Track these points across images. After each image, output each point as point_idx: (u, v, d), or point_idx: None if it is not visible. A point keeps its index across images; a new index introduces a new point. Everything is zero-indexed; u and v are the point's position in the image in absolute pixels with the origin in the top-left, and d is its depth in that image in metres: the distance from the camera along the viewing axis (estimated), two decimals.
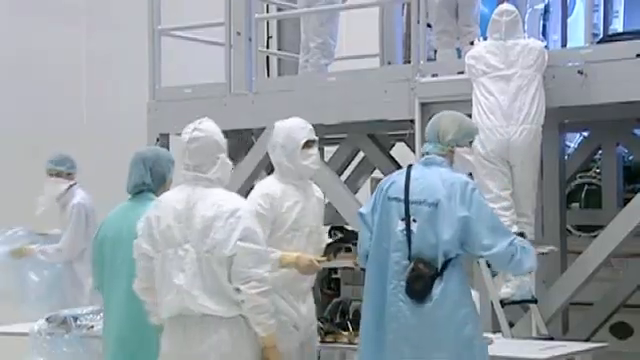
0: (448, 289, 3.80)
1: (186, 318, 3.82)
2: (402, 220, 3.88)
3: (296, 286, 4.44)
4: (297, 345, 4.43)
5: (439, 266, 3.79)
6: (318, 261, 4.37)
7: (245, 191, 8.01)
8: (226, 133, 7.76)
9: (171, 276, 3.82)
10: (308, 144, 4.49)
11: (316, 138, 4.59)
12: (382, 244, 3.96)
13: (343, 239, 4.75)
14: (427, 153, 4.02)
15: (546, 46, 6.80)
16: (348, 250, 4.54)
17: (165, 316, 3.90)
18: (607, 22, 7.56)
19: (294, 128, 4.51)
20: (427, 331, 3.82)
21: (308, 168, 4.49)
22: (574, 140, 7.92)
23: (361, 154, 8.56)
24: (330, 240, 5.77)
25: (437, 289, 3.79)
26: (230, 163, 4.00)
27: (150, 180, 4.36)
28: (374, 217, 4.02)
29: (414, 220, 3.85)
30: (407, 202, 3.87)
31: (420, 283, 3.79)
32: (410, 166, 4.04)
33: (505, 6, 6.19)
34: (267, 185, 4.49)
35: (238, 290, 3.77)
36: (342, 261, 4.63)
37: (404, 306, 3.86)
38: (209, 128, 4.01)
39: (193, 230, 3.82)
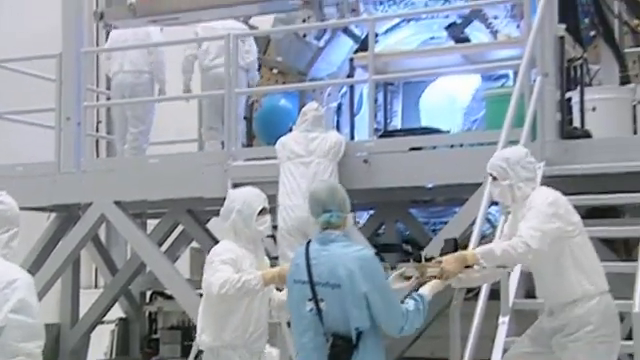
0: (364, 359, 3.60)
1: None
2: (310, 300, 3.65)
3: (254, 346, 4.23)
4: None
5: (354, 339, 3.58)
6: None
7: (73, 259, 7.85)
8: (55, 207, 7.73)
9: None
10: (262, 211, 4.34)
11: (268, 206, 4.44)
12: (299, 328, 3.73)
13: None
14: (329, 223, 3.72)
15: (352, 136, 7.19)
16: None
17: None
18: (388, 119, 8.04)
19: (251, 196, 4.34)
20: None
21: (262, 233, 4.35)
22: (362, 217, 8.26)
23: (180, 227, 8.55)
24: None
25: None
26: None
27: None
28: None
29: (321, 300, 3.63)
30: (312, 283, 3.65)
31: (342, 358, 3.57)
32: (308, 244, 3.78)
33: (313, 104, 6.57)
34: (227, 244, 4.28)
35: None
36: None
37: None
38: (11, 200, 3.64)
39: None
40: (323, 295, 3.64)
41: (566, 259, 3.95)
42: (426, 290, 3.81)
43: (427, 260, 3.91)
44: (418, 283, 3.87)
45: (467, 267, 3.91)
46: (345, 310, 3.60)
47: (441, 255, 3.93)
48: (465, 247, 4.24)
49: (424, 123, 7.86)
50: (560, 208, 3.99)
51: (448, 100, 8.02)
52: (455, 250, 3.99)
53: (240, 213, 4.28)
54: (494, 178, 4.15)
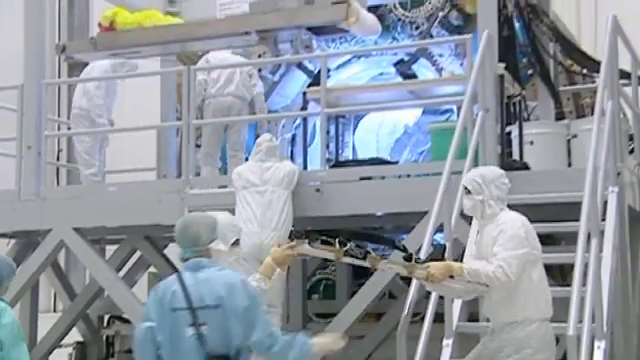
0: None
1: None
2: (191, 326, 3.59)
3: None
4: None
5: (233, 357, 3.58)
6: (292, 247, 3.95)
7: (32, 284, 7.70)
8: (15, 234, 7.60)
9: None
10: (235, 243, 4.11)
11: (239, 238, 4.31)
12: (177, 355, 3.62)
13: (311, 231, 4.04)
14: (183, 259, 3.74)
15: (305, 166, 7.23)
16: (325, 242, 3.75)
17: None
18: (339, 150, 8.12)
19: (225, 226, 4.06)
20: None
21: (230, 263, 4.12)
22: None
23: (138, 253, 8.47)
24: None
25: None
26: None
27: None
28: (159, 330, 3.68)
29: (203, 323, 3.58)
30: (193, 308, 3.60)
31: None
32: (179, 273, 3.72)
33: (267, 135, 6.58)
34: None
35: None
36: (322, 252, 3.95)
37: None
38: None
39: None
40: (205, 319, 3.60)
41: (523, 282, 4.02)
42: (317, 340, 3.69)
43: (416, 261, 3.95)
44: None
45: (451, 277, 3.99)
46: (227, 329, 3.59)
47: (429, 260, 3.99)
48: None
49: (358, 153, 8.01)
50: (529, 232, 4.09)
51: (374, 132, 8.17)
52: (442, 256, 4.06)
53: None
54: (468, 191, 4.22)
